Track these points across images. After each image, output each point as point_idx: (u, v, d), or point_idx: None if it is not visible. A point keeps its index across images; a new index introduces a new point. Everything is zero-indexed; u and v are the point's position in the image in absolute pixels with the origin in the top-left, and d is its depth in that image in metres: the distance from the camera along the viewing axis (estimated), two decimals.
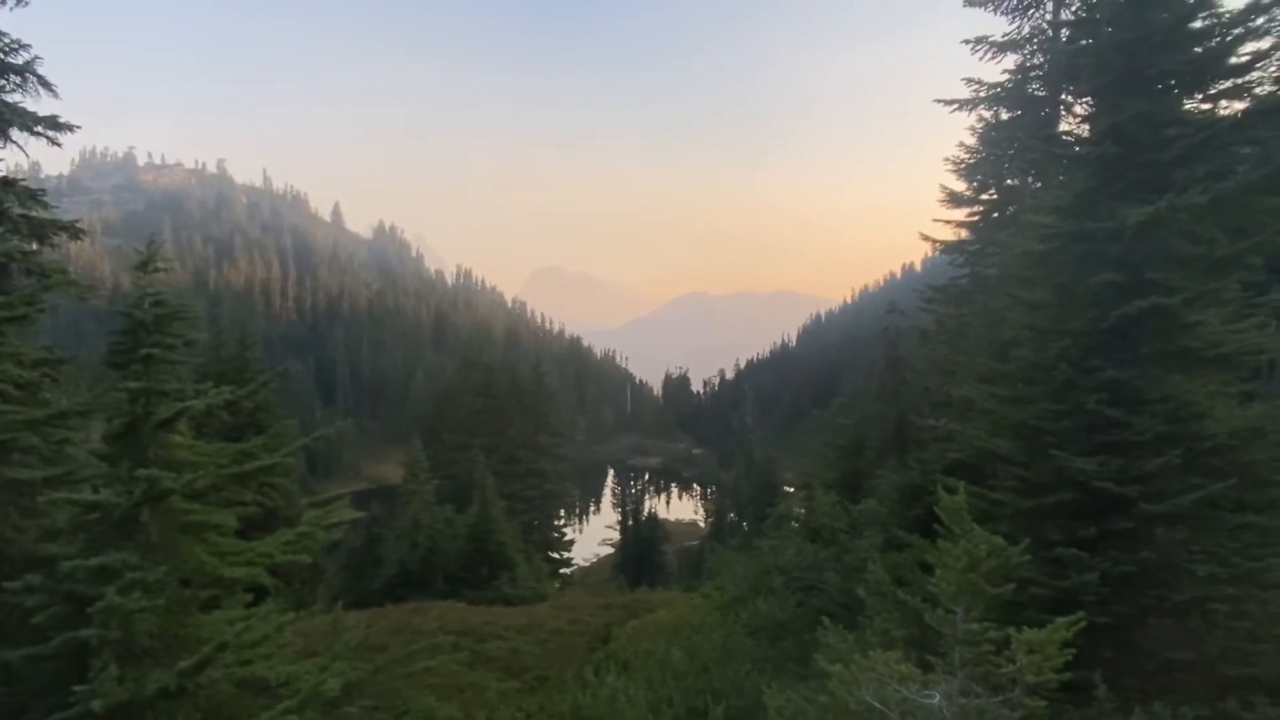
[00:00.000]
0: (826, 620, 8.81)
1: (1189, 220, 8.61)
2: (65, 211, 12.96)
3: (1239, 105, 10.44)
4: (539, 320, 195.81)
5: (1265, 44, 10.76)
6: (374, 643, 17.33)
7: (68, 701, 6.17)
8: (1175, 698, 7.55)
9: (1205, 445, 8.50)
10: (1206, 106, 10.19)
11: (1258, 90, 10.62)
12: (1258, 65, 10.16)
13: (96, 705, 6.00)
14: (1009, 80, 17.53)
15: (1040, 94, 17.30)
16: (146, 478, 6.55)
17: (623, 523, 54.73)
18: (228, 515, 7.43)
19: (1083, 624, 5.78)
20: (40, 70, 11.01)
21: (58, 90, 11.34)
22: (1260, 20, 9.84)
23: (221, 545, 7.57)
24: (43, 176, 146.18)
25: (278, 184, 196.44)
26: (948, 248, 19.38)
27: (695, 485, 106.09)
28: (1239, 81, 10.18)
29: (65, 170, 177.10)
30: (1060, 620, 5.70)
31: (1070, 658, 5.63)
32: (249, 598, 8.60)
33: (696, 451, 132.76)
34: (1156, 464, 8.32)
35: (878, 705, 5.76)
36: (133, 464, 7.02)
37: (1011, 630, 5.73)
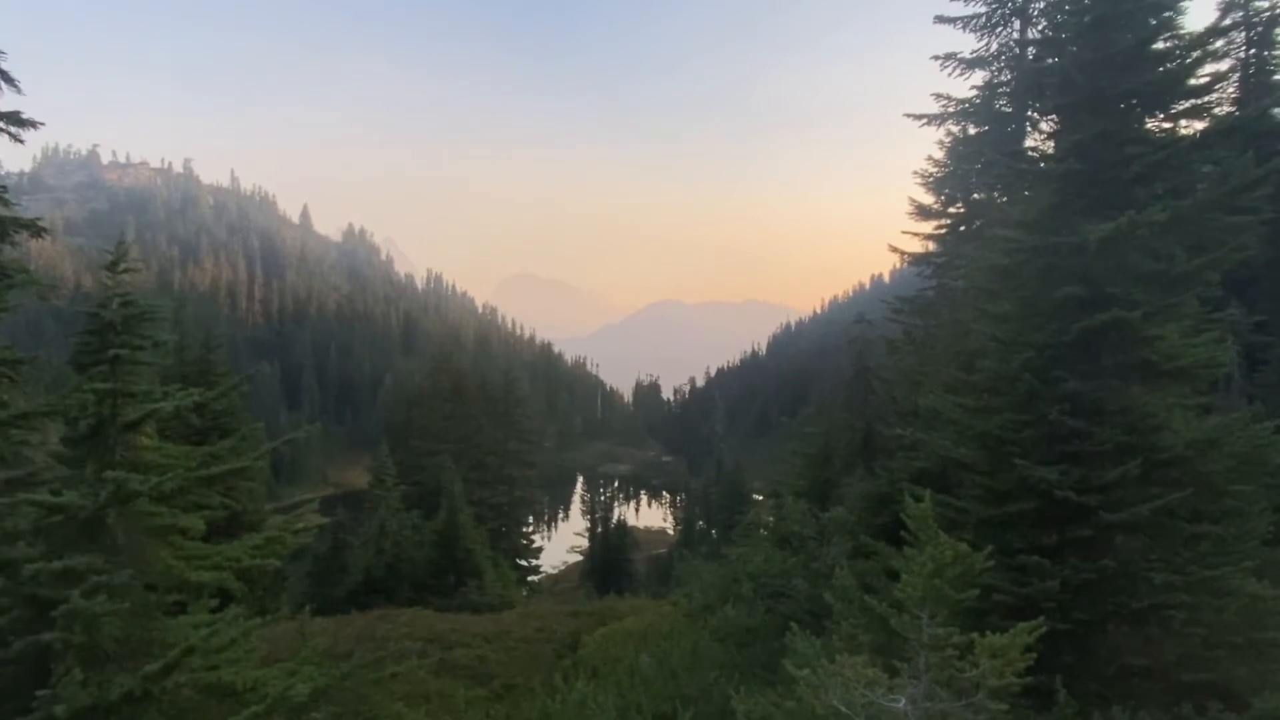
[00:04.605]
0: (795, 626, 8.89)
1: (1149, 236, 8.83)
2: (26, 209, 12.69)
3: (1198, 125, 10.75)
4: (510, 326, 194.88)
5: (1223, 66, 11.13)
6: (339, 650, 17.17)
7: (29, 706, 6.07)
8: (1133, 703, 7.72)
9: (1163, 456, 8.71)
10: (1167, 126, 10.48)
11: (1216, 111, 10.96)
12: (1216, 87, 10.48)
13: (59, 710, 5.90)
14: (977, 96, 17.86)
15: (1007, 110, 17.64)
16: (114, 480, 6.45)
17: (591, 530, 54.60)
18: (195, 519, 7.34)
19: (1044, 629, 5.91)
20: (3, 65, 10.81)
21: (20, 85, 11.13)
22: (1219, 43, 10.15)
23: (188, 549, 7.48)
24: (3, 173, 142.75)
25: (245, 185, 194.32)
26: (915, 260, 19.66)
27: (664, 493, 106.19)
28: (1198, 102, 10.48)
29: (27, 167, 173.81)
30: (1022, 625, 5.82)
31: (1032, 662, 5.75)
32: (214, 603, 8.50)
33: (666, 459, 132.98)
34: (1116, 474, 8.51)
35: (844, 709, 5.84)
36: (99, 466, 6.92)
37: (975, 635, 5.84)
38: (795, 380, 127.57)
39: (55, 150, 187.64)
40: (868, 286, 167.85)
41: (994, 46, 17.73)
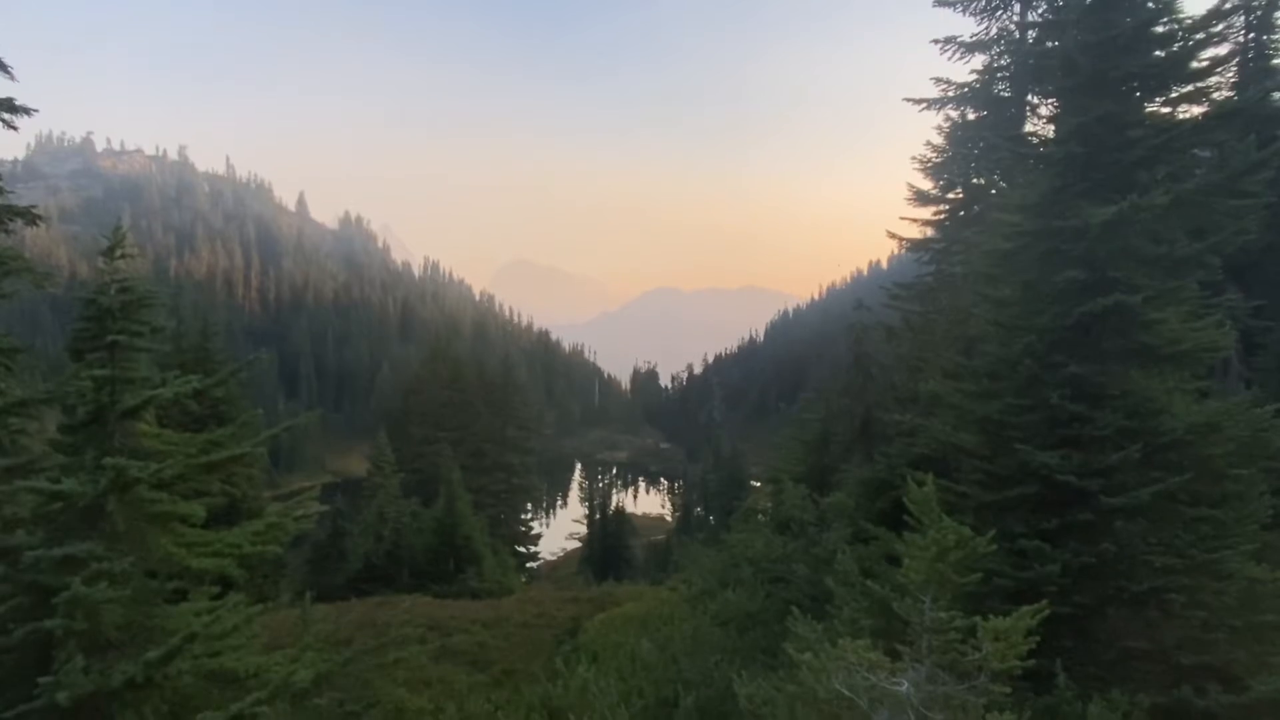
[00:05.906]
0: (796, 611, 8.89)
1: (1150, 220, 8.80)
2: (21, 197, 12.60)
3: (1198, 109, 10.69)
4: (507, 314, 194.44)
5: (1224, 50, 11.07)
6: (340, 636, 17.19)
7: (31, 694, 6.07)
8: (1132, 685, 7.74)
9: (1163, 440, 8.70)
10: (1167, 110, 10.43)
11: (1215, 95, 10.90)
12: (1216, 70, 10.42)
13: (62, 697, 5.90)
14: (976, 80, 17.78)
15: (1006, 94, 17.57)
16: (113, 466, 6.43)
17: (590, 517, 54.73)
18: (195, 506, 7.32)
19: (1046, 612, 5.91)
20: None
21: (13, 71, 11.03)
22: (1220, 26, 10.08)
23: (189, 536, 7.46)
24: None
25: (241, 172, 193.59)
26: (914, 246, 19.63)
27: (663, 480, 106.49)
28: (1199, 86, 10.43)
29: (21, 155, 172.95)
30: (1025, 609, 5.82)
31: (1033, 646, 5.76)
32: (215, 590, 8.50)
33: (664, 446, 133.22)
34: (1116, 458, 8.50)
35: (846, 693, 5.84)
36: (98, 453, 6.90)
37: (978, 619, 5.84)
38: (793, 367, 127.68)
39: (49, 137, 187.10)
40: (866, 273, 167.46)
41: (994, 30, 17.65)
